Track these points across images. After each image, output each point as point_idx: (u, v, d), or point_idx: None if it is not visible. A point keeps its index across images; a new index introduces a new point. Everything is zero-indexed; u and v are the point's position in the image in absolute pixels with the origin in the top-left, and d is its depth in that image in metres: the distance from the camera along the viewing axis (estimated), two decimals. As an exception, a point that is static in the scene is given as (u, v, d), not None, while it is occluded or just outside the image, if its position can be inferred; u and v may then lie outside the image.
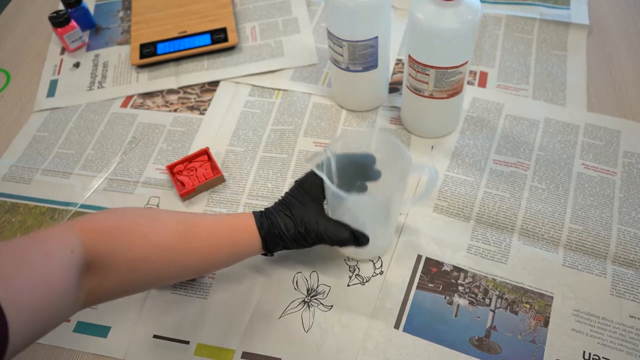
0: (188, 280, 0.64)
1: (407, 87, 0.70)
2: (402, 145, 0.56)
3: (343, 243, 0.57)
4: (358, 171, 0.60)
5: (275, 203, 0.59)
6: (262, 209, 0.59)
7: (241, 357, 0.59)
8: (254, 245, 0.57)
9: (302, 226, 0.56)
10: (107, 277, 0.48)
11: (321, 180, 0.56)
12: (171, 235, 0.52)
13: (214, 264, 0.57)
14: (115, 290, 0.51)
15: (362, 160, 0.60)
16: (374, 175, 0.61)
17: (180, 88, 0.87)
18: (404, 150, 0.56)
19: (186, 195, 0.72)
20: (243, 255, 0.58)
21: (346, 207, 0.58)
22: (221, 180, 0.74)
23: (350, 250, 0.64)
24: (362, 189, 0.63)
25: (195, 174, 0.74)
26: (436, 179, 0.58)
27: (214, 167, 0.74)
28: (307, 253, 0.65)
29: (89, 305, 0.49)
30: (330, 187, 0.54)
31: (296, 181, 0.60)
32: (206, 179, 0.73)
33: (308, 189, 0.58)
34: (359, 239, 0.57)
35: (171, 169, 0.74)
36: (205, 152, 0.76)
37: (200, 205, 0.72)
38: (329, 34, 0.70)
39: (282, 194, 0.60)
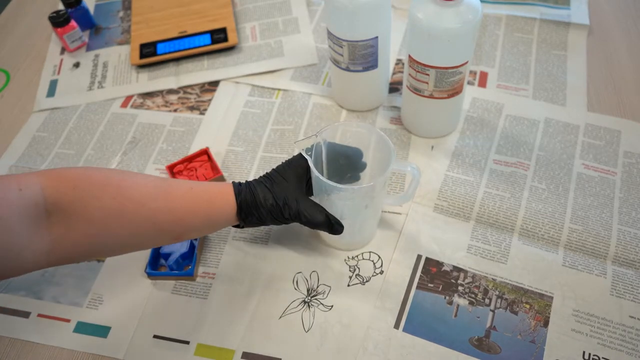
0: (187, 280, 0.65)
1: (407, 87, 0.70)
2: (387, 138, 0.57)
3: (317, 226, 0.58)
4: (346, 163, 0.62)
5: (260, 176, 0.59)
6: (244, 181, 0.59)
7: (241, 357, 0.59)
8: (229, 211, 0.56)
9: (280, 199, 0.56)
10: (75, 227, 0.46)
11: (307, 162, 0.57)
12: (147, 192, 0.51)
13: (189, 228, 0.55)
14: (83, 244, 0.48)
15: (350, 152, 0.62)
16: (360, 167, 0.63)
17: (180, 88, 0.87)
18: (389, 142, 0.57)
19: (186, 195, 0.72)
20: (218, 221, 0.57)
21: (328, 194, 0.59)
22: (221, 180, 0.74)
23: (331, 239, 0.65)
24: (354, 180, 0.65)
25: (195, 174, 0.74)
26: (419, 178, 0.60)
27: (214, 167, 0.74)
28: (307, 253, 0.66)
29: (55, 260, 0.47)
30: (314, 171, 0.55)
31: (286, 160, 0.60)
32: (206, 179, 0.73)
33: (294, 167, 0.58)
34: (333, 225, 0.58)
35: (171, 169, 0.74)
36: (205, 152, 0.76)
37: (200, 205, 0.72)
38: (329, 34, 0.70)
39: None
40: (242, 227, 0.60)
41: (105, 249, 0.51)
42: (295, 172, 0.58)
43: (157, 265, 0.65)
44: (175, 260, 0.65)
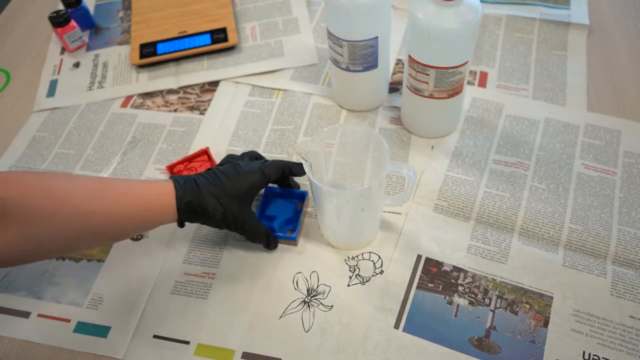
0: (288, 244, 0.66)
1: (407, 87, 0.70)
2: (383, 140, 0.57)
3: (257, 240, 0.64)
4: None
5: (209, 177, 0.59)
6: (190, 176, 0.59)
7: (241, 357, 0.59)
8: (169, 215, 0.57)
9: (230, 214, 0.58)
10: (8, 227, 0.47)
11: (261, 179, 0.60)
12: (81, 195, 0.51)
13: (125, 231, 0.56)
14: (18, 245, 0.48)
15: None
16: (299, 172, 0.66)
17: (180, 88, 0.87)
18: (384, 144, 0.57)
19: (186, 195, 0.72)
20: (156, 223, 0.58)
21: (325, 197, 0.59)
22: (221, 180, 0.74)
23: (332, 239, 0.66)
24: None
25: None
26: (415, 180, 0.60)
27: (214, 167, 0.74)
28: (307, 253, 0.66)
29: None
30: (311, 178, 0.56)
31: (237, 166, 0.61)
32: (206, 179, 0.73)
33: (250, 182, 0.60)
34: (270, 243, 0.64)
35: (171, 169, 0.74)
36: (205, 152, 0.76)
37: (200, 205, 0.72)
38: (329, 34, 0.70)
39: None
40: (183, 226, 0.61)
41: (40, 253, 0.51)
42: (249, 187, 0.60)
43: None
44: (279, 224, 0.67)
